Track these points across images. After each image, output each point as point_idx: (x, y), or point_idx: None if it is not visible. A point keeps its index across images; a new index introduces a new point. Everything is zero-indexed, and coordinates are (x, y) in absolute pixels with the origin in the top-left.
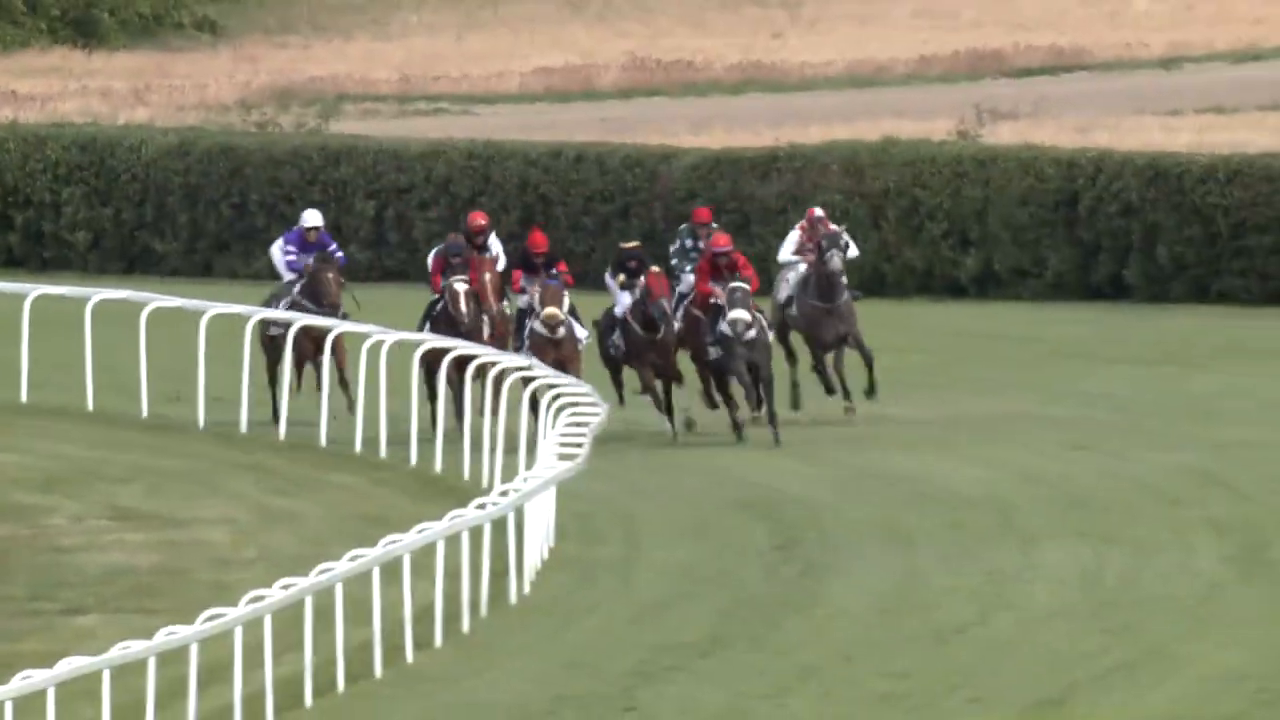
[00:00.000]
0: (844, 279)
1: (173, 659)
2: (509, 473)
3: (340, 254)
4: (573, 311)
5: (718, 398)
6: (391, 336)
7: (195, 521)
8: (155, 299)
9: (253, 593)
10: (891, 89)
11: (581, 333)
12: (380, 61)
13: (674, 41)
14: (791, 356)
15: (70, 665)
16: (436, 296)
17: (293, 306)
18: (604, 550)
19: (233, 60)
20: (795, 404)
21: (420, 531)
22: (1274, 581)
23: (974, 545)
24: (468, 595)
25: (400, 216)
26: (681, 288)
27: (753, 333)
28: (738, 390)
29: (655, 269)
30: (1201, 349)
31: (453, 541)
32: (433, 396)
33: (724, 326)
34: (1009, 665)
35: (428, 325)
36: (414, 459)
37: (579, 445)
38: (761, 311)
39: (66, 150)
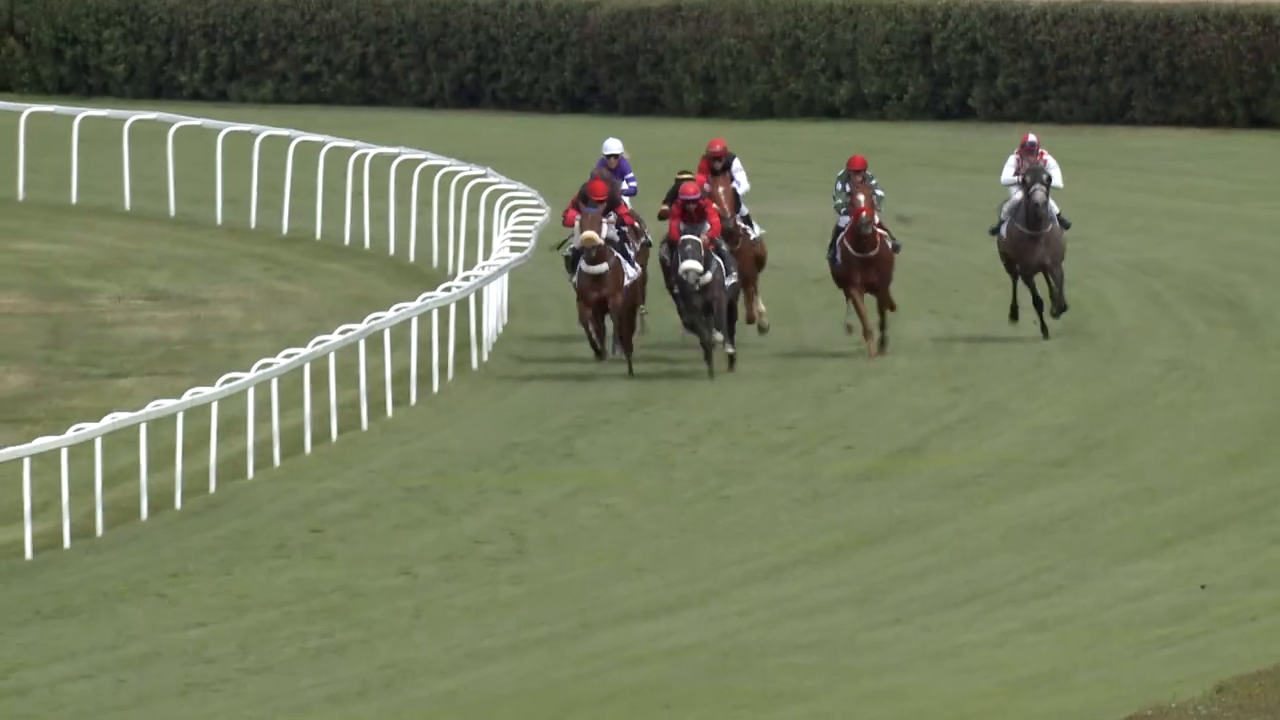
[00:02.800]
0: (1053, 208)
1: (197, 414)
2: (470, 262)
3: (632, 182)
4: (623, 248)
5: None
6: (373, 150)
7: (214, 301)
8: (180, 119)
9: (261, 360)
10: None
11: (632, 271)
12: None
13: None
14: (1016, 279)
15: (114, 419)
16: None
17: None
18: (548, 325)
19: None
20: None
21: (398, 310)
22: (1092, 351)
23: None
24: (437, 362)
25: (380, 52)
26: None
27: (707, 277)
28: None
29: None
30: None
31: (424, 318)
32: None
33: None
34: (876, 419)
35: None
36: (392, 249)
37: (527, 239)
38: (721, 252)
39: None
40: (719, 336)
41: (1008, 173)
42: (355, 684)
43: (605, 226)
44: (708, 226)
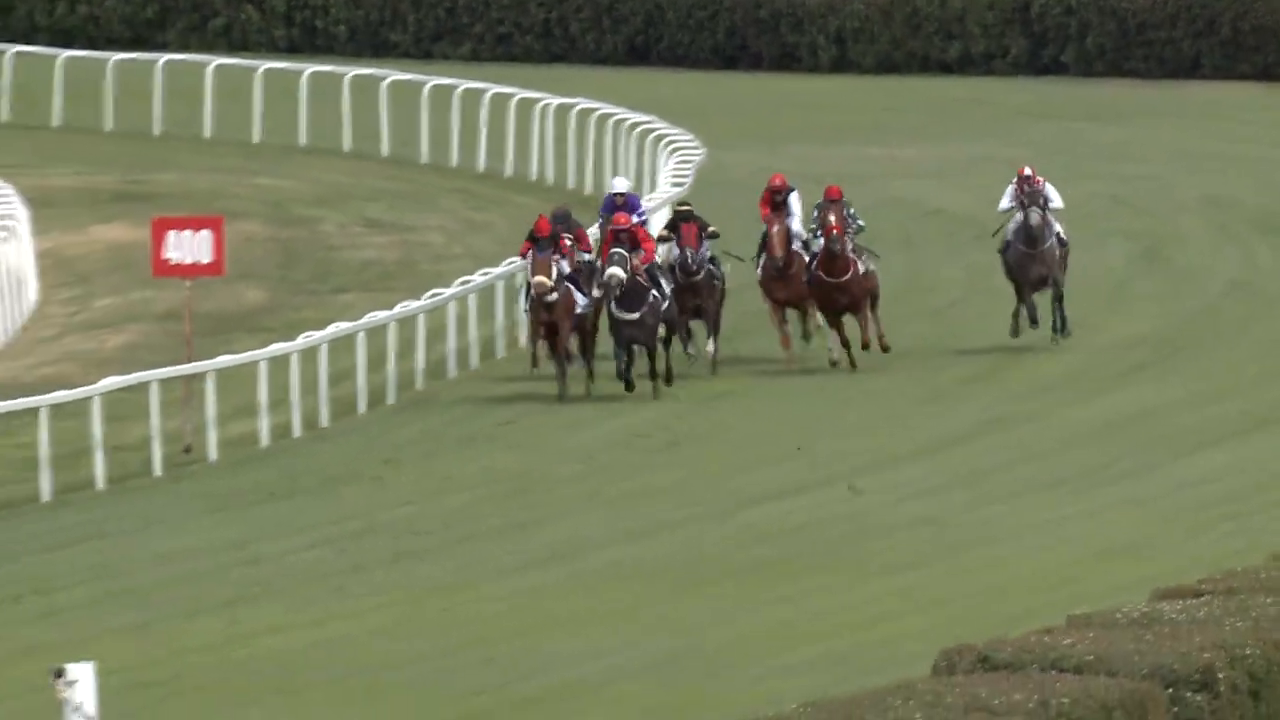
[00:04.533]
0: (1053, 228)
1: (406, 324)
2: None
3: (642, 215)
4: (572, 278)
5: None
6: (555, 100)
7: (421, 228)
8: (392, 74)
9: (461, 278)
10: None
11: (581, 299)
12: None
13: None
14: (1019, 294)
15: (336, 328)
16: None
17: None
18: None
19: None
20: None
21: None
22: (1168, 274)
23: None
24: None
25: (561, 17)
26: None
27: (637, 315)
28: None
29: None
30: (1115, 110)
31: (599, 243)
32: None
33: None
34: (982, 330)
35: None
36: (570, 184)
37: (686, 175)
38: (659, 285)
39: None
40: (650, 374)
41: (1004, 201)
42: (540, 554)
43: (555, 267)
44: (642, 253)
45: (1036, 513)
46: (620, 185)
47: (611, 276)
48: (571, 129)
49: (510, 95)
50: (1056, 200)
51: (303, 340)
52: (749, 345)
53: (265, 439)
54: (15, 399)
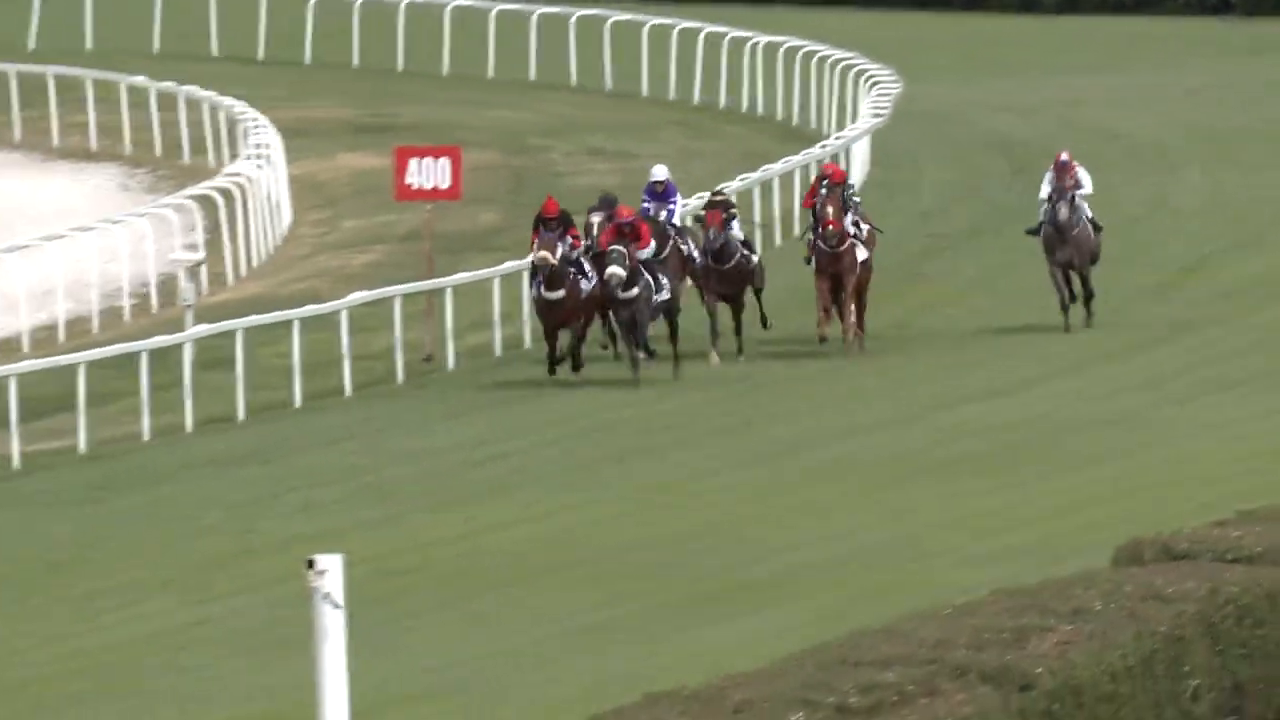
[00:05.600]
0: (1084, 213)
1: None
2: (840, 125)
3: (673, 205)
4: (579, 262)
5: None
6: (763, 39)
7: (641, 155)
8: (614, 14)
9: (697, 195)
10: None
11: (587, 285)
12: None
13: None
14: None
15: None
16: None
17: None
18: (902, 174)
19: None
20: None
21: (784, 162)
22: None
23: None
24: None
25: None
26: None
27: (633, 291)
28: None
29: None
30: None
31: (804, 169)
32: None
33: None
34: (1164, 242)
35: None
36: (779, 115)
37: (885, 108)
38: (654, 272)
39: None
40: (639, 355)
41: (1044, 189)
42: (760, 451)
43: (560, 248)
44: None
45: (1214, 413)
46: (660, 173)
47: (612, 275)
48: (779, 64)
49: (723, 34)
50: (1088, 186)
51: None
52: (960, 252)
53: (498, 349)
54: (271, 312)
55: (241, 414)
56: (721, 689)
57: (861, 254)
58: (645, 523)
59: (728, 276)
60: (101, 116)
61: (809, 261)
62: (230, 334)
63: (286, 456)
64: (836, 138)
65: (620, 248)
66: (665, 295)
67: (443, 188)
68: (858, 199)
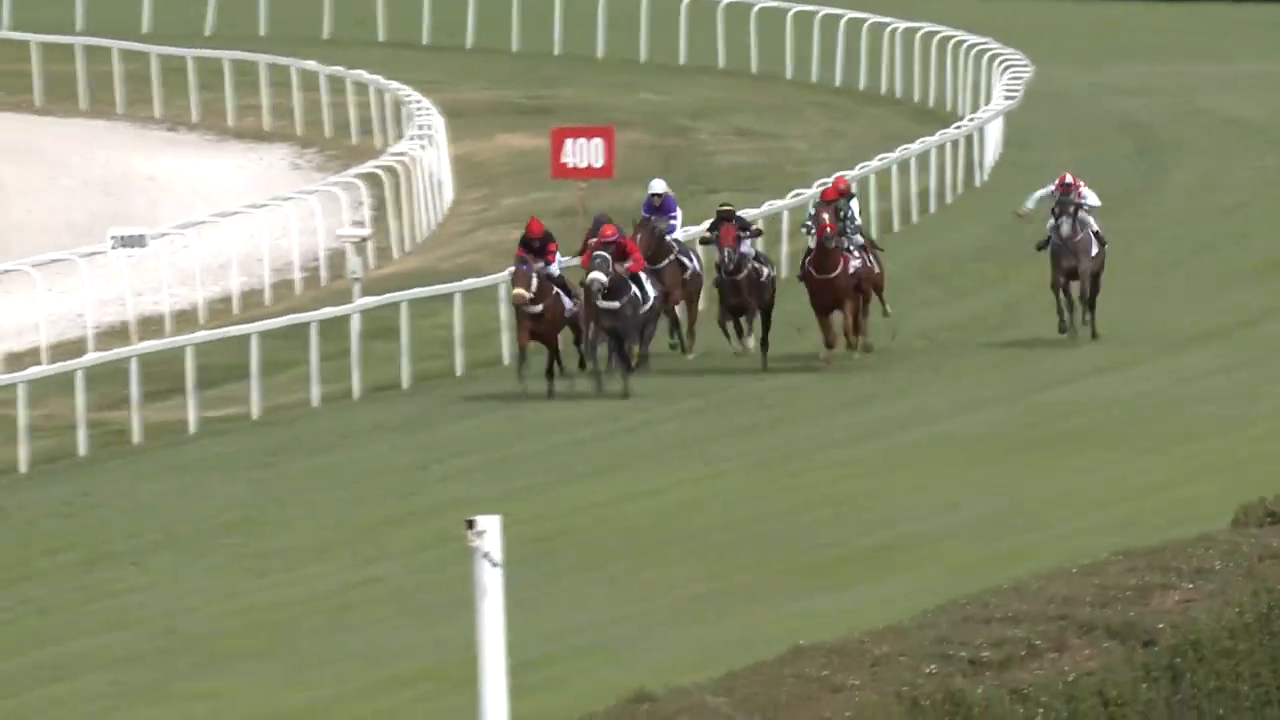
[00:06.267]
0: (1090, 226)
1: (772, 220)
2: (974, 107)
3: (673, 219)
4: (563, 280)
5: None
6: (901, 24)
7: (785, 136)
8: (761, 1)
9: (819, 180)
10: None
11: (569, 303)
12: None
13: None
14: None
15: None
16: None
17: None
18: (1033, 155)
19: None
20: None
21: (921, 143)
22: None
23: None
24: (949, 182)
25: None
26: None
27: (617, 304)
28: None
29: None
30: None
31: (940, 149)
32: None
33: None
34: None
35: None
36: (916, 97)
37: (1017, 90)
38: (643, 286)
39: None
40: (627, 365)
41: (1037, 193)
42: (869, 428)
43: (534, 278)
44: (629, 263)
45: None
46: (658, 186)
47: (594, 280)
48: (916, 49)
49: (863, 19)
50: (1093, 199)
51: (681, 235)
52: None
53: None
54: (434, 285)
55: (405, 382)
56: (860, 643)
57: (854, 265)
58: (771, 492)
59: (739, 287)
60: (274, 99)
61: (801, 279)
62: (395, 306)
63: (447, 424)
64: (971, 119)
65: (603, 253)
66: (649, 305)
67: (596, 166)
68: (859, 220)
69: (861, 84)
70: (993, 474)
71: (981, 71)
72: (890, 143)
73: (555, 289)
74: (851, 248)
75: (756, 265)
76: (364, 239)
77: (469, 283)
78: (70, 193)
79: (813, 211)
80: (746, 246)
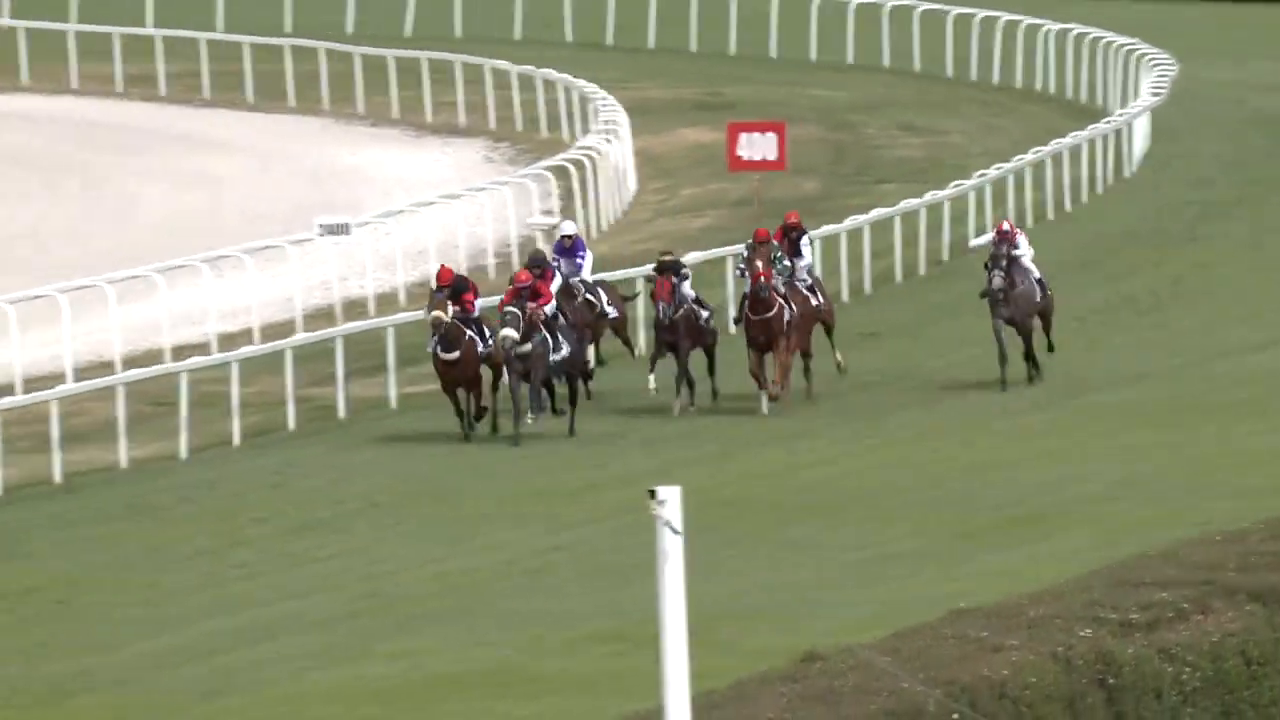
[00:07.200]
0: (1032, 275)
1: (934, 210)
2: (1123, 103)
3: (581, 260)
4: (479, 323)
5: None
6: (1054, 26)
7: (946, 130)
8: (924, 5)
9: (979, 171)
10: None
11: (482, 347)
12: None
13: None
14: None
15: (877, 213)
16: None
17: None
18: (1177, 146)
19: None
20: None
21: (1072, 136)
22: None
23: None
24: (1099, 172)
25: None
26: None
27: (526, 348)
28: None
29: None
30: None
31: (1091, 143)
32: None
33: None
34: None
35: None
36: (1069, 94)
37: (1164, 87)
38: (553, 329)
39: None
40: (528, 416)
41: (982, 239)
42: (1045, 397)
43: (450, 307)
44: (538, 301)
45: None
46: (568, 228)
47: (505, 338)
48: (1069, 49)
49: (1018, 21)
50: (1026, 249)
51: (849, 222)
52: (1231, 219)
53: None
54: (619, 270)
55: (592, 360)
56: (1018, 605)
57: (787, 311)
58: (930, 463)
59: (673, 328)
60: (469, 96)
61: (737, 323)
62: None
63: (633, 397)
64: (1119, 114)
65: (514, 309)
66: (564, 353)
67: (770, 159)
68: (788, 262)
69: (1017, 82)
70: (1146, 444)
71: (1130, 70)
72: (1044, 136)
73: (469, 333)
74: (799, 285)
75: (694, 308)
76: (553, 227)
77: (652, 267)
78: (279, 184)
79: (746, 254)
80: (687, 288)
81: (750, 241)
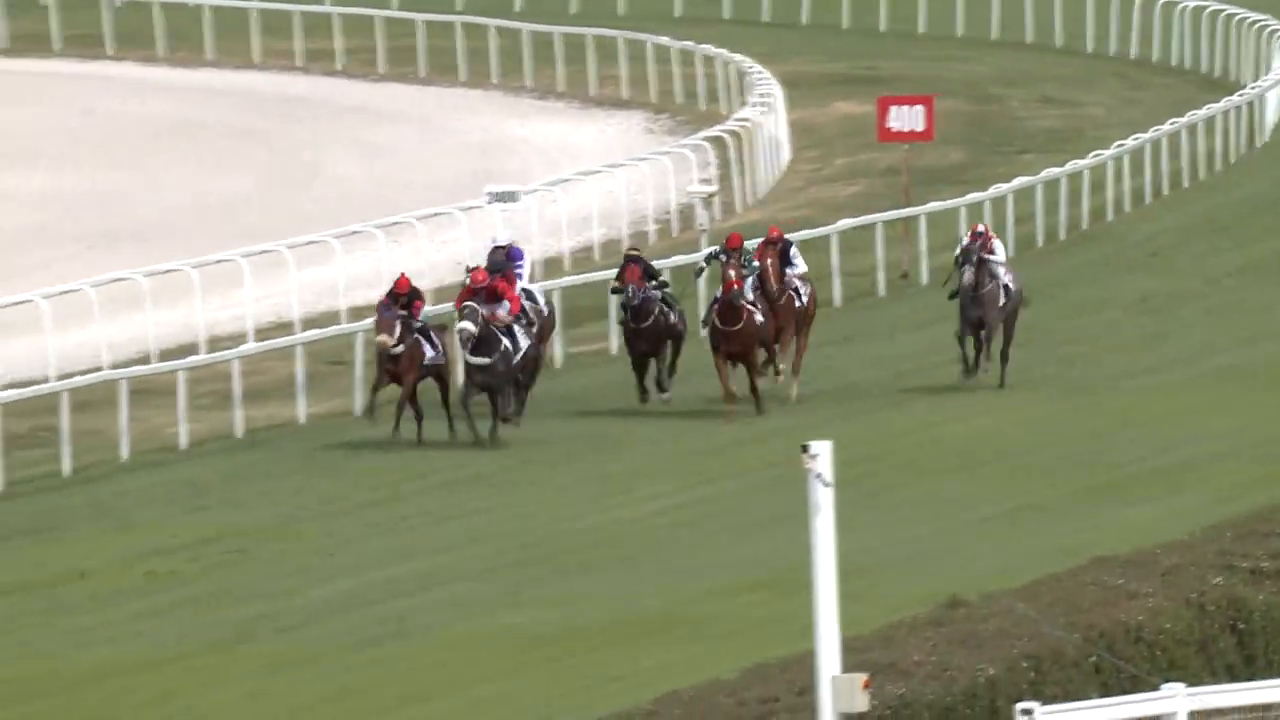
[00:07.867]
0: (1000, 279)
1: (1074, 178)
2: (1255, 76)
3: (520, 266)
4: (425, 331)
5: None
6: (1190, 3)
7: (1086, 103)
8: None
9: (1117, 141)
10: None
11: (430, 351)
12: None
13: None
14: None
15: (1019, 181)
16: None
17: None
18: None
19: None
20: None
21: (1208, 108)
22: None
23: None
24: (1233, 143)
25: None
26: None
27: (489, 360)
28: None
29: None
30: None
31: (1224, 115)
32: None
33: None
34: None
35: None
36: (1204, 68)
37: None
38: (514, 336)
39: None
40: (499, 421)
41: (963, 242)
42: (1178, 356)
43: (398, 325)
44: (507, 305)
45: None
46: (501, 238)
47: (463, 330)
48: (1204, 24)
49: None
50: (1000, 252)
51: (993, 190)
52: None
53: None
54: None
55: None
56: (1153, 555)
57: (758, 318)
58: (1068, 420)
59: (644, 335)
60: (631, 71)
61: (705, 325)
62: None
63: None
64: (1252, 87)
65: (472, 304)
66: (524, 352)
67: (918, 130)
68: (757, 263)
69: (1154, 56)
70: (1271, 402)
71: (1262, 45)
72: (1180, 108)
73: (416, 335)
74: (786, 287)
75: (664, 309)
76: (711, 195)
77: (804, 233)
78: (450, 154)
79: (712, 251)
80: (649, 288)
81: (722, 245)
